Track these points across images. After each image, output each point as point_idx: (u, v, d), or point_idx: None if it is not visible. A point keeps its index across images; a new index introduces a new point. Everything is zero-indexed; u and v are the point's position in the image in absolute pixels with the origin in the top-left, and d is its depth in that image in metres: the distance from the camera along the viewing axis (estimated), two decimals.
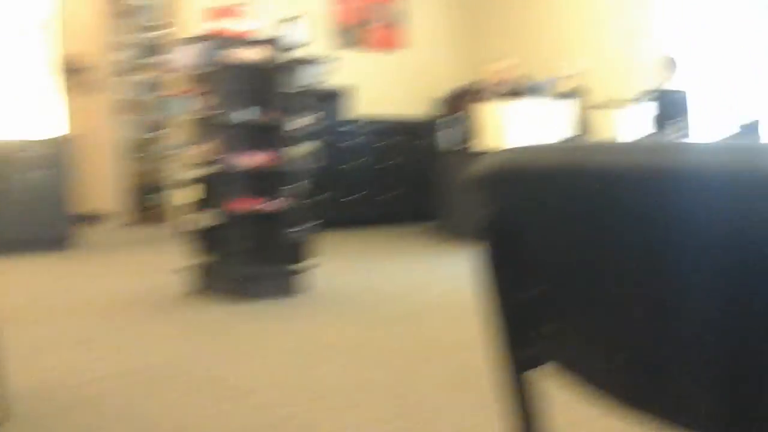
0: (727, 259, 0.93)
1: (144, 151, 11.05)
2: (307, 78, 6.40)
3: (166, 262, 7.02)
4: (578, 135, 9.09)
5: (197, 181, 5.87)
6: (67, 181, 7.91)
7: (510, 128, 8.36)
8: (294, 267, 6.06)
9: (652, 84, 8.75)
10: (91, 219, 9.72)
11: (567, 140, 8.58)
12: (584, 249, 1.11)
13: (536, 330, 1.24)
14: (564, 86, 9.74)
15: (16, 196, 7.33)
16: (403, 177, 10.15)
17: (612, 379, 1.21)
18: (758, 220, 0.88)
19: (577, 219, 1.10)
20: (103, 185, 10.05)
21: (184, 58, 5.96)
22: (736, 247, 0.91)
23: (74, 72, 9.94)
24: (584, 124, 9.41)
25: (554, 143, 1.13)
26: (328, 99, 9.75)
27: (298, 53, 6.33)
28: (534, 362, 1.27)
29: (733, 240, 0.91)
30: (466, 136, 9.02)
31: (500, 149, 1.20)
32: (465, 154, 8.76)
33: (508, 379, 1.27)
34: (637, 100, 8.96)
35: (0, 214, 6.81)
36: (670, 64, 8.63)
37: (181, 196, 6.13)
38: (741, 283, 0.93)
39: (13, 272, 6.78)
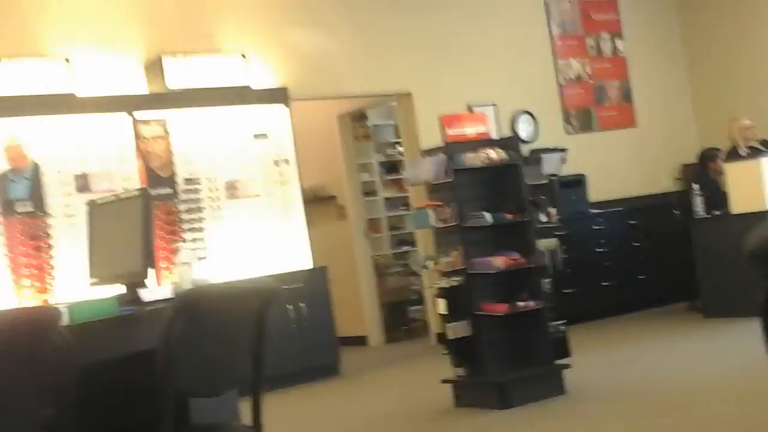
0: None
1: (395, 267, 11.26)
2: (545, 170, 6.34)
3: (428, 377, 7.04)
4: None
5: (449, 290, 5.86)
6: (328, 309, 8.14)
7: (764, 186, 7.90)
8: (552, 367, 5.89)
9: None
10: (352, 342, 9.93)
11: None
12: None
13: None
14: None
15: (285, 330, 7.60)
16: (655, 256, 9.78)
17: None
18: None
19: None
20: (360, 307, 10.28)
21: (423, 170, 6.05)
22: None
23: (320, 201, 10.35)
24: None
25: None
26: (570, 187, 9.62)
27: (533, 146, 6.33)
28: None
29: None
30: (717, 202, 8.61)
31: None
32: (721, 221, 8.34)
33: None
34: None
35: (271, 347, 7.08)
36: None
37: (435, 308, 6.14)
38: None
39: (287, 405, 6.98)
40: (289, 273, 7.72)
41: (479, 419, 5.53)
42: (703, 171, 9.15)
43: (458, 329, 5.81)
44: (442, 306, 5.89)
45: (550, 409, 5.53)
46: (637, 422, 4.90)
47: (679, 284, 9.34)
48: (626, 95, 10.80)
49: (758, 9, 10.33)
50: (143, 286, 3.44)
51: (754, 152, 8.63)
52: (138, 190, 4.59)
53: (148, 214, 3.57)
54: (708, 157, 9.14)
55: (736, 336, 7.27)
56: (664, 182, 10.51)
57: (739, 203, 8.09)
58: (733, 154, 8.71)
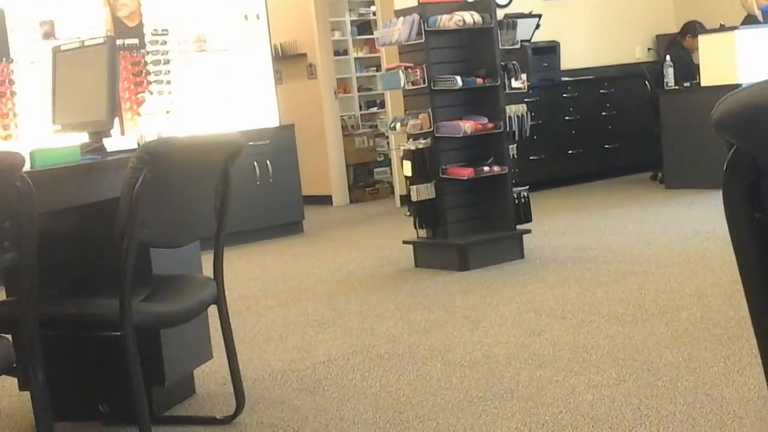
0: None
1: (362, 129, 11.25)
2: (519, 36, 6.27)
3: (390, 238, 7.13)
4: None
5: (415, 153, 5.88)
6: (294, 167, 8.16)
7: (741, 59, 7.89)
8: (515, 231, 5.99)
9: None
10: (317, 201, 9.99)
11: None
12: None
13: None
14: None
15: (249, 186, 7.62)
16: (623, 126, 9.83)
17: None
18: None
19: None
20: (325, 166, 10.31)
21: (396, 30, 5.98)
22: None
23: (290, 58, 10.23)
24: None
25: None
26: (542, 54, 9.56)
27: (507, 11, 6.26)
28: None
29: None
30: (691, 74, 8.61)
31: (741, 82, 1.12)
32: (690, 93, 8.37)
33: (760, 325, 1.21)
34: None
35: (236, 204, 7.13)
36: None
37: (401, 170, 6.17)
38: None
39: (250, 260, 7.07)
40: (256, 130, 7.70)
41: (438, 279, 5.63)
42: (680, 43, 9.11)
43: (422, 191, 5.86)
44: (407, 168, 5.92)
45: (507, 272, 5.65)
46: (591, 286, 5.01)
47: (645, 155, 9.44)
48: None
49: None
50: (107, 135, 3.41)
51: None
52: (104, 37, 4.49)
53: (113, 62, 3.51)
54: (689, 29, 9.07)
55: (694, 206, 7.42)
56: (637, 52, 10.48)
57: (710, 76, 8.09)
58: (750, 21, 8.63)
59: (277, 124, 8.11)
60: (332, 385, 3.67)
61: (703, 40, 8.37)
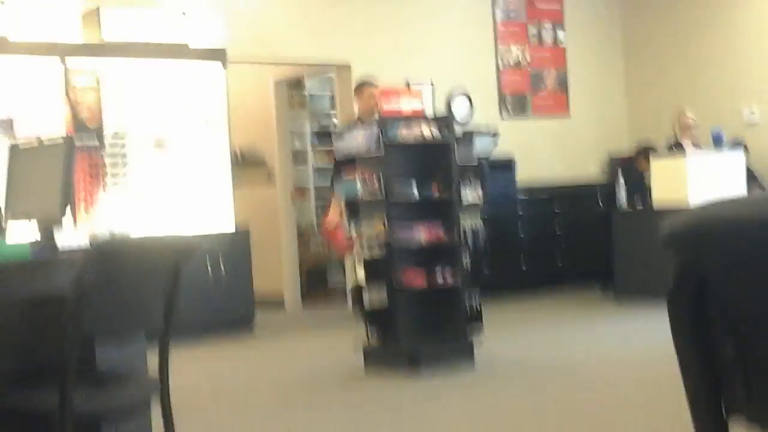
0: None
1: (318, 234, 11.28)
2: (476, 152, 6.41)
3: (342, 343, 7.08)
4: (761, 184, 8.74)
5: (369, 261, 5.91)
6: (247, 270, 8.14)
7: (688, 182, 8.08)
8: (464, 341, 6.00)
9: None
10: (270, 304, 9.95)
11: (751, 189, 8.27)
12: None
13: (729, 383, 1.19)
14: (741, 132, 9.40)
15: (201, 289, 7.59)
16: (575, 244, 9.96)
17: None
18: None
19: None
20: (279, 270, 10.30)
21: (354, 142, 6.07)
22: None
23: (249, 164, 10.31)
24: (764, 173, 9.05)
25: (744, 198, 1.09)
26: (498, 170, 9.71)
27: (466, 127, 6.40)
28: (728, 413, 1.22)
29: None
30: (641, 196, 8.78)
31: (687, 207, 1.16)
32: (642, 215, 8.52)
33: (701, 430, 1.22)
34: None
35: (186, 302, 7.07)
36: None
37: (354, 275, 6.19)
38: None
39: (199, 358, 6.98)
40: (211, 235, 7.70)
41: (388, 385, 5.60)
42: (632, 164, 9.31)
43: (375, 299, 5.87)
44: (361, 275, 5.94)
45: (457, 380, 5.63)
46: (542, 398, 5.01)
47: (595, 271, 9.55)
48: (562, 84, 10.93)
49: (699, 8, 10.50)
50: (58, 226, 3.39)
51: (697, 148, 8.78)
52: (62, 137, 4.53)
53: (70, 161, 3.52)
54: (642, 151, 9.28)
55: (644, 321, 7.44)
56: (591, 172, 10.68)
57: (661, 199, 8.26)
58: (677, 147, 8.85)
59: (233, 230, 8.12)
60: None
61: (655, 164, 8.57)
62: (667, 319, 1.23)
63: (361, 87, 7.35)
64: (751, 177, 8.81)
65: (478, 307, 6.04)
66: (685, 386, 1.23)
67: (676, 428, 4.13)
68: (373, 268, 5.90)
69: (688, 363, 1.23)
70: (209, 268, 7.79)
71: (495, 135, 9.76)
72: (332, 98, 10.90)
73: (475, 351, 6.02)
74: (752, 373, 1.16)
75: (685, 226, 1.15)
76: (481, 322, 6.07)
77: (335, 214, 7.02)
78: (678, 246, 1.17)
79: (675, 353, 1.25)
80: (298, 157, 11.40)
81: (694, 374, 1.22)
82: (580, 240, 9.92)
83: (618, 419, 4.49)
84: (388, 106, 6.03)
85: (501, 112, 10.46)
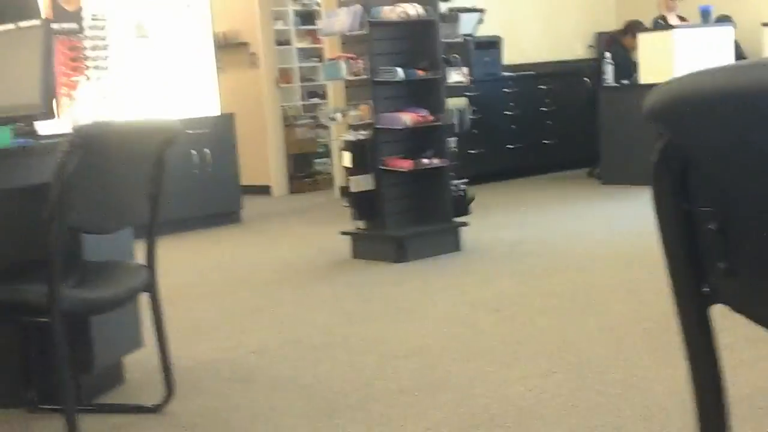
0: None
1: (303, 119, 11.21)
2: (462, 30, 6.30)
3: (328, 228, 7.12)
4: (747, 57, 8.67)
5: (355, 144, 5.88)
6: (233, 156, 8.10)
7: (674, 57, 8.02)
8: (452, 224, 6.02)
9: None
10: (256, 191, 9.94)
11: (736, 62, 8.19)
12: (761, 172, 1.04)
13: (713, 265, 1.19)
14: (728, 8, 9.29)
15: (187, 174, 7.56)
16: (562, 122, 9.93)
17: None
18: None
19: (753, 143, 1.02)
20: (265, 157, 10.26)
21: (338, 21, 5.96)
22: None
23: (232, 47, 10.15)
24: (750, 48, 8.97)
25: (727, 65, 1.07)
26: (484, 48, 9.60)
27: (450, 5, 6.28)
28: (712, 299, 1.22)
29: None
30: (630, 72, 8.72)
31: (669, 79, 1.14)
32: (630, 90, 8.48)
33: (684, 316, 1.24)
34: None
35: (173, 192, 7.07)
36: None
37: (341, 160, 6.16)
38: None
39: (185, 248, 7.01)
40: (195, 118, 7.63)
41: (374, 270, 5.64)
42: (619, 41, 9.21)
43: (361, 183, 5.86)
44: (347, 159, 5.92)
45: (443, 264, 5.67)
46: (525, 279, 5.06)
47: (583, 151, 9.54)
48: None
49: None
50: (42, 118, 3.35)
51: (682, 21, 8.69)
52: (39, 20, 4.41)
53: (49, 45, 3.44)
54: (629, 29, 9.17)
55: (630, 202, 7.51)
56: (577, 49, 10.58)
57: (648, 74, 8.20)
58: (663, 21, 8.75)
59: (218, 113, 8.05)
60: (264, 374, 3.66)
61: (642, 38, 8.47)
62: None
63: None
64: (738, 52, 8.75)
65: (464, 188, 6.04)
66: (667, 267, 1.23)
67: (660, 305, 4.20)
68: (358, 152, 5.87)
69: (669, 241, 1.22)
70: (194, 154, 7.75)
71: (480, 12, 9.60)
72: None
73: (462, 233, 6.05)
74: (734, 248, 1.15)
75: (665, 97, 1.13)
76: (467, 204, 6.07)
77: None
78: (660, 118, 1.15)
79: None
80: (281, 38, 11.23)
81: (675, 253, 1.22)
82: (567, 118, 9.88)
83: (601, 298, 4.55)
84: None
85: None
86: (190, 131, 7.29)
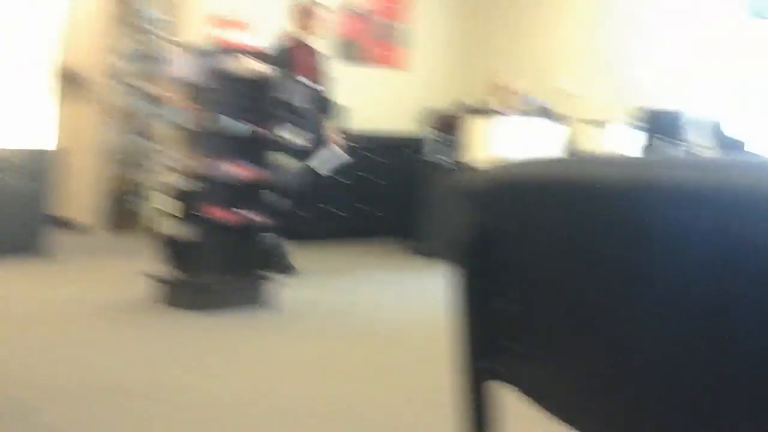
0: (705, 278, 0.91)
1: (131, 158, 10.98)
2: (303, 92, 6.37)
3: (140, 271, 6.95)
4: (568, 152, 9.10)
5: (180, 189, 5.81)
6: (49, 188, 7.80)
7: (500, 144, 8.36)
8: (268, 280, 6.00)
9: (644, 103, 8.83)
10: (69, 225, 9.64)
11: (556, 155, 8.58)
12: (562, 264, 1.09)
13: (506, 345, 1.22)
14: (555, 104, 9.75)
15: None
16: (390, 193, 10.13)
17: (571, 402, 1.18)
18: (737, 239, 0.86)
19: (558, 233, 1.07)
20: (86, 192, 9.98)
21: (182, 66, 5.92)
22: (716, 266, 0.90)
23: (71, 79, 9.90)
24: (573, 143, 9.42)
25: (543, 157, 1.12)
26: (323, 113, 9.69)
27: None
28: (494, 375, 1.25)
29: (712, 259, 0.90)
30: (456, 152, 9.00)
31: (489, 163, 1.19)
32: (452, 170, 8.76)
33: (466, 389, 1.26)
34: (627, 119, 8.99)
35: None
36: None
37: (161, 204, 6.06)
38: (719, 304, 0.91)
39: None
40: (22, 150, 7.37)
41: (180, 318, 5.52)
42: (451, 121, 9.51)
43: (181, 230, 5.78)
44: (170, 204, 5.84)
45: (251, 319, 5.63)
46: (332, 342, 5.08)
47: (402, 222, 9.75)
48: (396, 35, 10.99)
49: None
50: None
51: (510, 113, 9.04)
52: None
53: None
54: (462, 110, 9.49)
55: (440, 276, 7.62)
56: (407, 124, 10.85)
57: (470, 155, 8.51)
58: (492, 108, 9.07)
59: (43, 145, 7.80)
60: (51, 421, 3.49)
61: (469, 120, 8.81)
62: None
63: (308, 7, 7.16)
64: (558, 146, 9.18)
65: (284, 245, 6.05)
66: (461, 342, 1.24)
67: (450, 379, 4.29)
68: (184, 199, 5.80)
69: (466, 319, 1.24)
70: (6, 184, 7.43)
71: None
72: (163, 20, 10.57)
73: (278, 292, 6.03)
74: (526, 331, 1.19)
75: (483, 180, 1.17)
76: (285, 261, 6.08)
77: None
78: (474, 200, 1.19)
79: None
80: (120, 76, 11.03)
81: (469, 332, 1.24)
82: (395, 190, 10.08)
83: (404, 367, 4.60)
84: (221, 34, 5.90)
85: (336, 56, 10.42)
86: (10, 161, 7.03)
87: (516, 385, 1.23)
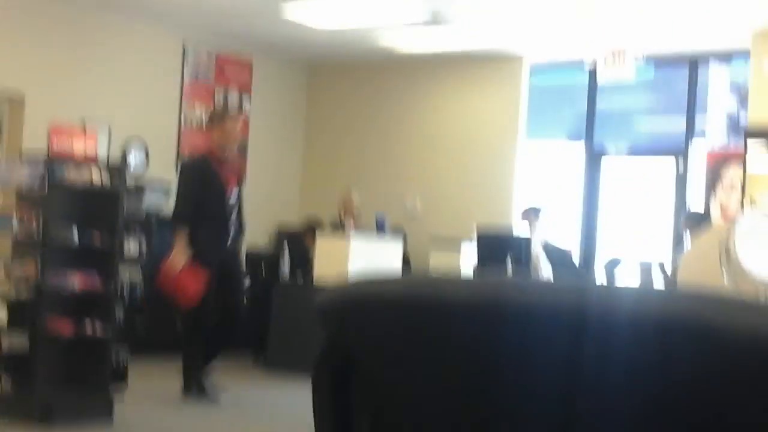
0: (557, 393, 0.93)
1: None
2: (146, 204, 6.29)
3: None
4: (414, 270, 9.23)
5: (15, 301, 5.58)
6: None
7: (349, 262, 8.40)
8: (105, 393, 5.79)
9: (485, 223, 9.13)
10: None
11: (405, 274, 8.68)
12: (420, 380, 1.09)
13: None
14: (402, 221, 9.95)
15: None
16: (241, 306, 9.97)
17: None
18: (587, 357, 0.88)
19: (415, 350, 1.08)
20: None
21: (16, 174, 5.75)
22: (565, 382, 0.91)
23: None
24: (418, 260, 9.59)
25: (393, 277, 1.13)
26: (166, 226, 9.55)
27: (138, 179, 6.28)
28: None
29: (560, 377, 0.91)
30: (306, 268, 8.99)
31: (342, 282, 1.18)
32: (304, 286, 8.73)
33: None
34: (470, 238, 9.22)
35: None
36: (532, 213, 9.02)
37: None
38: (568, 417, 0.92)
39: None
40: None
41: None
42: (299, 239, 9.52)
43: (15, 343, 5.54)
44: (2, 315, 5.60)
45: None
46: None
47: (252, 337, 9.59)
48: (242, 151, 11.01)
49: (375, 105, 11.06)
50: None
51: (360, 230, 9.13)
52: None
53: None
54: (309, 227, 9.54)
55: (293, 391, 7.51)
56: (258, 240, 10.79)
57: (323, 275, 8.49)
58: (341, 226, 9.14)
59: None
60: None
61: (319, 240, 8.83)
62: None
63: (223, 117, 6.98)
64: (407, 264, 9.32)
65: (125, 362, 5.86)
66: None
67: None
68: (18, 311, 5.56)
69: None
70: None
71: (167, 191, 9.62)
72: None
73: (115, 408, 5.80)
74: None
75: (333, 300, 1.18)
76: (126, 378, 5.87)
77: (180, 254, 6.45)
78: (326, 318, 1.19)
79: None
80: None
81: None
82: (246, 305, 9.93)
83: None
84: (60, 144, 5.78)
85: (177, 170, 10.34)
86: None
87: None
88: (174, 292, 6.56)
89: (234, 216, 6.80)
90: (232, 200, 6.77)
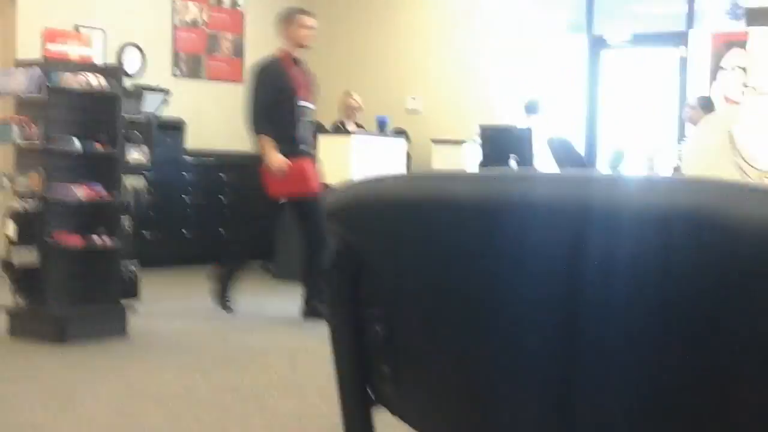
0: (560, 288, 0.93)
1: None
2: (144, 108, 6.22)
3: None
4: (418, 170, 9.21)
5: (21, 214, 5.56)
6: None
7: (352, 162, 8.38)
8: (117, 307, 5.79)
9: (490, 121, 9.06)
10: None
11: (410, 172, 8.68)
12: (428, 280, 1.09)
13: (378, 368, 1.21)
14: (403, 124, 9.90)
15: None
16: (239, 213, 9.97)
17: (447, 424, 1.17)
18: (590, 249, 0.88)
19: (422, 249, 1.07)
20: None
21: (13, 81, 5.68)
22: (568, 276, 0.91)
23: None
24: (421, 162, 9.57)
25: (401, 174, 1.12)
26: (167, 130, 9.51)
27: (135, 82, 6.21)
28: (375, 401, 1.23)
29: (564, 269, 0.91)
30: None
31: (345, 182, 1.18)
32: None
33: (348, 417, 1.24)
34: (473, 137, 9.18)
35: None
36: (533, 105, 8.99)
37: (4, 230, 5.77)
38: (572, 311, 0.93)
39: None
40: None
41: (30, 350, 5.29)
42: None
43: (24, 256, 5.54)
44: (11, 229, 5.59)
45: (106, 349, 5.43)
46: (191, 372, 4.95)
47: (262, 245, 9.60)
48: (238, 50, 10.89)
49: (373, 5, 10.89)
50: None
51: (360, 129, 9.08)
52: None
53: None
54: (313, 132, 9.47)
55: (292, 298, 7.59)
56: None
57: (328, 175, 8.47)
58: (342, 127, 9.08)
59: None
60: None
61: (321, 141, 8.78)
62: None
63: (293, 15, 6.83)
64: (408, 163, 9.31)
65: (134, 270, 5.87)
66: (335, 366, 1.24)
67: (324, 406, 4.24)
68: (25, 223, 5.56)
69: (338, 343, 1.23)
70: None
71: (165, 93, 9.53)
72: None
73: (129, 318, 5.83)
74: (397, 353, 1.18)
75: (342, 199, 1.16)
76: (137, 287, 5.89)
77: (276, 156, 6.52)
78: (336, 219, 1.17)
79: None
80: None
81: (343, 356, 1.23)
82: (244, 210, 9.93)
83: (268, 395, 4.53)
84: (54, 48, 5.70)
85: (174, 71, 10.25)
86: None
87: (391, 408, 1.22)
88: (297, 183, 6.68)
89: (305, 122, 6.72)
90: (303, 105, 6.66)
